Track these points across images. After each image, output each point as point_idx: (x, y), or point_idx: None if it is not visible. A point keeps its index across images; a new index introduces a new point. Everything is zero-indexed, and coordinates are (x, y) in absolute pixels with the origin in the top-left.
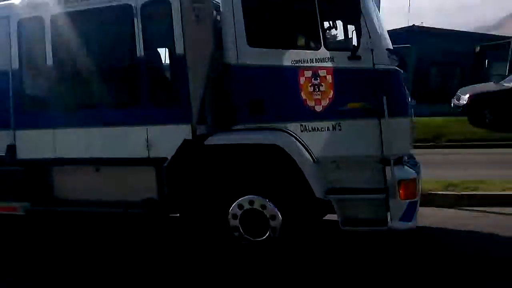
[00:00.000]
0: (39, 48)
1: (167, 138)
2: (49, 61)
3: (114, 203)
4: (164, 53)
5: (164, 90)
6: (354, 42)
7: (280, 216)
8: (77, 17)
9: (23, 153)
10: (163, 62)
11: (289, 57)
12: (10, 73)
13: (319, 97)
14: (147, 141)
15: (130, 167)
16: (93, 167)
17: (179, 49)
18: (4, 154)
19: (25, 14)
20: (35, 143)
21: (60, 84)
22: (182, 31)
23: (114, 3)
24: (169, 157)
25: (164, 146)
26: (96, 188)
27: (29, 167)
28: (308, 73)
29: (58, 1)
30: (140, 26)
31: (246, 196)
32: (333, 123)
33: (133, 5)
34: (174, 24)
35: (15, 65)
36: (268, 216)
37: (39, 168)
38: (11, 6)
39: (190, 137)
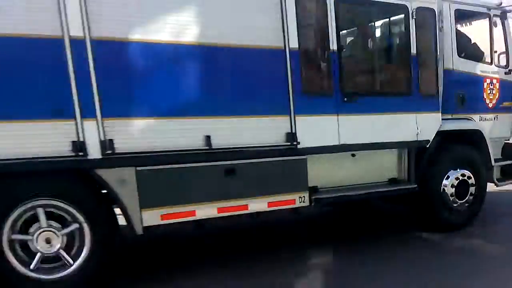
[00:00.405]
0: (321, 30)
1: (429, 124)
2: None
3: (367, 186)
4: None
5: (427, 84)
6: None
7: (474, 180)
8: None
9: (305, 141)
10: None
11: (479, 68)
12: (289, 55)
13: (491, 97)
14: (417, 126)
15: (388, 150)
16: (351, 153)
17: (436, 51)
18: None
19: None
20: (319, 130)
21: (344, 71)
22: (436, 36)
23: (395, 2)
24: (430, 139)
25: (427, 131)
26: (350, 173)
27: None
28: (488, 80)
29: None
30: (414, 26)
31: (459, 170)
32: (494, 115)
33: (408, 6)
34: (436, 28)
35: (294, 44)
36: (469, 183)
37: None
38: None
39: (440, 123)
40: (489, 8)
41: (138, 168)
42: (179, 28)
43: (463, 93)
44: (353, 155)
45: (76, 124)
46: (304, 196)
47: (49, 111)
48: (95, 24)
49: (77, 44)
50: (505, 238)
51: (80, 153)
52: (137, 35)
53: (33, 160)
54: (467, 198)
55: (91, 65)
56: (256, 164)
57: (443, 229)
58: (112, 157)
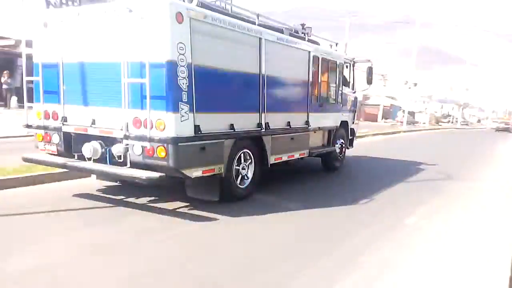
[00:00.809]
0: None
1: (338, 118)
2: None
3: (317, 147)
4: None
5: (342, 99)
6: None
7: (345, 144)
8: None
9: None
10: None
11: (347, 90)
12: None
13: (349, 104)
14: (336, 119)
15: (325, 129)
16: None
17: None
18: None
19: None
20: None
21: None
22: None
23: (303, 48)
24: (337, 126)
25: (337, 121)
26: (313, 141)
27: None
28: (349, 97)
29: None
30: (312, 64)
31: (340, 140)
32: (349, 113)
33: (310, 52)
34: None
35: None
36: (343, 146)
37: None
38: None
39: (341, 118)
40: (346, 59)
41: (272, 136)
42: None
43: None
44: (314, 131)
45: (260, 114)
46: (308, 151)
47: (253, 108)
48: (267, 67)
49: (261, 76)
50: (345, 171)
51: (259, 129)
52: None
53: (248, 131)
54: (343, 154)
55: (264, 87)
56: (298, 135)
57: (334, 170)
58: (267, 130)
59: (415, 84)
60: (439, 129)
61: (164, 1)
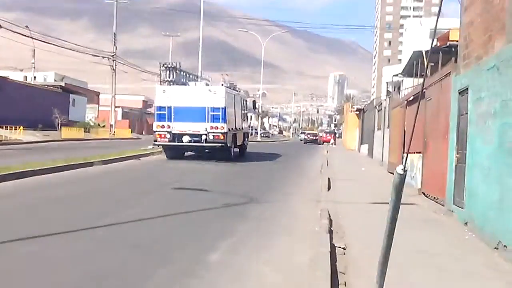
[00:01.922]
0: None
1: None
2: None
3: None
4: None
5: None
6: None
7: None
8: None
9: None
10: None
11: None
12: None
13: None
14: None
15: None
16: None
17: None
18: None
19: None
20: None
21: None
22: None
23: (245, 97)
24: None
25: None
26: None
27: None
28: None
29: None
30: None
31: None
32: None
33: (247, 99)
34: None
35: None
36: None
37: None
38: None
39: None
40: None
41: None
42: None
43: None
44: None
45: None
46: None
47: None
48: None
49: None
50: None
51: (238, 128)
52: None
53: (236, 128)
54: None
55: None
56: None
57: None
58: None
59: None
60: None
61: (222, 89)
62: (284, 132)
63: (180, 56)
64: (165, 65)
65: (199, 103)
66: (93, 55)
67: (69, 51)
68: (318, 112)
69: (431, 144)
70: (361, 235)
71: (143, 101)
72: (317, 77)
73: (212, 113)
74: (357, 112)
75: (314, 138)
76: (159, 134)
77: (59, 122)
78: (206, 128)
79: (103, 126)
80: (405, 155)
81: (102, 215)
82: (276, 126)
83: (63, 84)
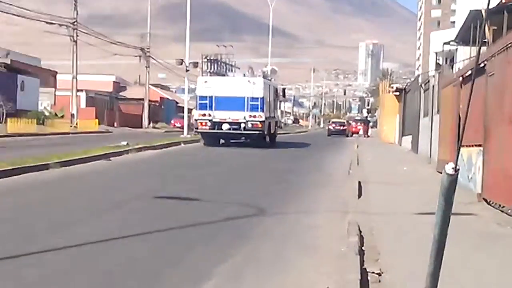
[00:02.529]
0: None
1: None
2: None
3: None
4: None
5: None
6: None
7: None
8: None
9: None
10: None
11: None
12: None
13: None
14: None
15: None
16: None
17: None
18: None
19: None
20: None
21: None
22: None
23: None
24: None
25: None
26: None
27: None
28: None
29: None
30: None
31: None
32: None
33: (276, 86)
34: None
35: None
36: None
37: None
38: None
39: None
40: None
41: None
42: None
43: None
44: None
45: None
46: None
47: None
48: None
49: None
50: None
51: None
52: None
53: (270, 117)
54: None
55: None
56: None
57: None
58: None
59: (196, 65)
60: None
61: (261, 80)
62: (301, 120)
63: (163, 22)
64: (207, 57)
65: (239, 93)
66: (47, 22)
67: (15, 18)
68: (345, 93)
69: (494, 134)
70: (401, 258)
71: (115, 82)
72: (343, 48)
73: (251, 103)
74: (397, 93)
75: (340, 128)
76: (200, 122)
77: (3, 112)
78: (245, 117)
79: (62, 117)
80: (459, 149)
81: (49, 236)
82: (290, 113)
83: (8, 62)
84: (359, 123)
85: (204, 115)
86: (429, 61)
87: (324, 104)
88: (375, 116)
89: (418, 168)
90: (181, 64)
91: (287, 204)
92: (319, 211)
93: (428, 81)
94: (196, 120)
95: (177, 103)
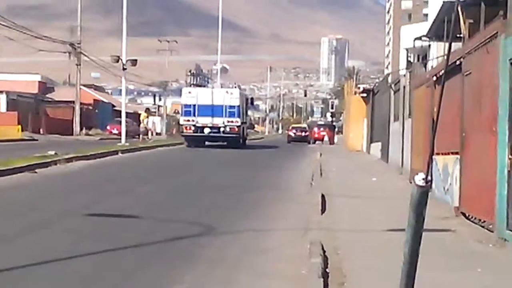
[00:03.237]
0: None
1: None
2: None
3: None
4: None
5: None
6: None
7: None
8: None
9: None
10: None
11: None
12: None
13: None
14: None
15: None
16: None
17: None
18: None
19: None
20: None
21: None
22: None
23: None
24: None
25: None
26: None
27: None
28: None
29: None
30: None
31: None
32: None
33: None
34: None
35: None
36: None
37: None
38: None
39: None
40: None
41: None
42: None
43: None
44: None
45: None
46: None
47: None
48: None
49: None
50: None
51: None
52: None
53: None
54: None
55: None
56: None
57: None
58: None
59: (134, 62)
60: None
61: (237, 90)
62: (256, 126)
63: (96, 14)
64: (191, 71)
65: (218, 101)
66: None
67: None
68: (306, 95)
69: (472, 140)
70: (370, 281)
71: (40, 82)
72: (304, 44)
73: (229, 110)
74: (364, 95)
75: (302, 134)
76: (185, 127)
77: None
78: (223, 122)
79: None
80: (431, 157)
81: None
82: None
83: None
84: (322, 129)
85: (189, 120)
86: (400, 58)
87: (283, 107)
88: (340, 120)
89: (389, 179)
90: (118, 61)
91: (240, 221)
92: (276, 229)
93: (399, 81)
94: (181, 125)
95: (113, 106)
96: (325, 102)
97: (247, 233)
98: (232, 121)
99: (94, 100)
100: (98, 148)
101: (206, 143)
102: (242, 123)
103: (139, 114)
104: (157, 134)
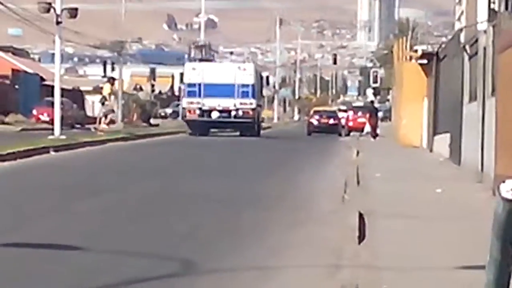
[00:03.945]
0: None
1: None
2: None
3: None
4: None
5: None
6: None
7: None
8: None
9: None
10: None
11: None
12: None
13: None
14: None
15: None
16: None
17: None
18: None
19: None
20: None
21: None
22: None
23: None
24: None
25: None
26: None
27: None
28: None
29: None
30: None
31: None
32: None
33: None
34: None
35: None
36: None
37: None
38: None
39: None
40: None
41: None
42: None
43: None
44: None
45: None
46: None
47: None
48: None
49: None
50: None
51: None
52: None
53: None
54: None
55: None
56: None
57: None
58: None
59: (74, 13)
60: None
61: (252, 65)
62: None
63: None
64: (195, 43)
65: (229, 79)
66: None
67: None
68: (335, 62)
69: None
70: None
71: None
72: None
73: (242, 89)
74: (424, 61)
75: (329, 122)
76: (188, 110)
77: None
78: (235, 104)
79: None
80: None
81: None
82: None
83: None
84: (361, 113)
85: (193, 103)
86: (478, 5)
87: (300, 80)
88: (387, 100)
89: (461, 190)
90: (48, 11)
91: (236, 254)
92: (291, 266)
93: (477, 41)
94: (184, 108)
95: (42, 79)
96: (365, 73)
97: (247, 274)
98: (245, 103)
99: (13, 70)
100: (18, 144)
101: (212, 130)
102: (257, 105)
103: (100, 91)
104: (109, 122)
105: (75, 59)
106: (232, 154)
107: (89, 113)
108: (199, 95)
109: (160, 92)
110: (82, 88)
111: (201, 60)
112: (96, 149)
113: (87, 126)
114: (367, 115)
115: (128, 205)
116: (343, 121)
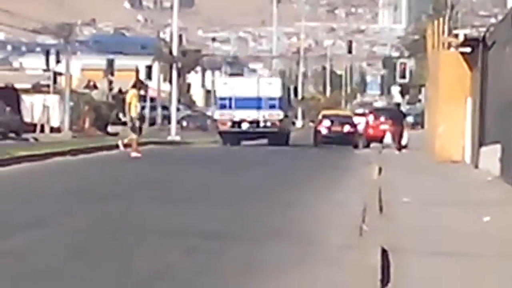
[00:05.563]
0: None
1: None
2: None
3: None
4: None
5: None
6: None
7: None
8: None
9: None
10: None
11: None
12: None
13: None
14: None
15: None
16: None
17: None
18: None
19: None
20: None
21: None
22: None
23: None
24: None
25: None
26: None
27: None
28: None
29: None
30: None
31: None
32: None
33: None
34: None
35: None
36: None
37: None
38: None
39: None
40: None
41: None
42: None
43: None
44: None
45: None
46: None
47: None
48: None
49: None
50: None
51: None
52: None
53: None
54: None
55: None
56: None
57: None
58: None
59: None
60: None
61: (278, 80)
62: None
63: None
64: (225, 59)
65: (257, 93)
66: None
67: None
68: (351, 51)
69: None
70: None
71: None
72: None
73: (270, 102)
74: (467, 50)
75: (343, 130)
76: (221, 122)
77: None
78: (264, 115)
79: None
80: None
81: None
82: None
83: None
84: (384, 118)
85: (225, 115)
86: None
87: (305, 75)
88: (419, 101)
89: None
90: None
91: None
92: None
93: None
94: (216, 120)
95: None
96: (389, 66)
97: None
98: (273, 114)
99: None
100: None
101: (243, 142)
102: (284, 116)
103: (122, 94)
104: (51, 129)
105: (8, 47)
106: (223, 172)
107: (27, 118)
108: (230, 107)
109: (120, 91)
110: (17, 86)
111: (231, 74)
112: (36, 166)
113: (24, 135)
114: (391, 121)
115: (75, 244)
116: (360, 129)
